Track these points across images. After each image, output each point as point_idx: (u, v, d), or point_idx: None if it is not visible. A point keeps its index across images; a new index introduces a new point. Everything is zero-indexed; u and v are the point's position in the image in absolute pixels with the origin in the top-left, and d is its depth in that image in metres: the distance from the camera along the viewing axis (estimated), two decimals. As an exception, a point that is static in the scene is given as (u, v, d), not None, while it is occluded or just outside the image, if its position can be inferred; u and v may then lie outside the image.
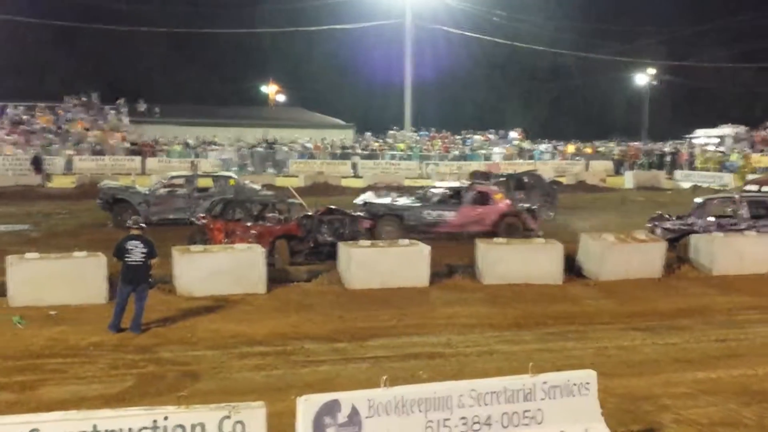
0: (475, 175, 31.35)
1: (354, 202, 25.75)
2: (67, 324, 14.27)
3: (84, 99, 53.13)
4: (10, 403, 10.39)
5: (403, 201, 25.22)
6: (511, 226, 23.98)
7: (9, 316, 14.53)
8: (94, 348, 12.96)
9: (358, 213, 22.04)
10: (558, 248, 18.87)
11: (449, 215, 24.26)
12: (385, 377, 7.74)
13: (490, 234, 22.49)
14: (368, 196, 26.36)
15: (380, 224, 23.27)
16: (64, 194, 36.06)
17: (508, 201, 25.04)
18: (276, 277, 17.71)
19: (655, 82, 77.31)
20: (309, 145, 52.40)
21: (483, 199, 24.71)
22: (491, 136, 57.22)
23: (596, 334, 14.51)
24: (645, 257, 19.47)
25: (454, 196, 24.91)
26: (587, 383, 8.53)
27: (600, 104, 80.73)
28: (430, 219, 24.11)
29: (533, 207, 25.01)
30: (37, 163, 40.77)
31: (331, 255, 19.14)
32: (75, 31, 64.51)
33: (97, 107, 53.29)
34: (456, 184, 27.01)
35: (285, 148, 51.06)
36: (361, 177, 45.85)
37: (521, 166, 46.70)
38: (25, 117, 49.93)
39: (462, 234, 23.53)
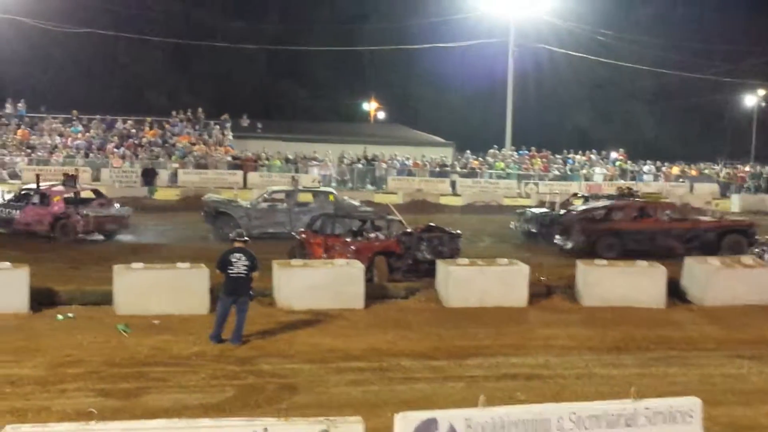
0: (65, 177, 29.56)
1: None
2: (170, 333, 14.57)
3: (190, 114, 54.32)
4: (115, 409, 10.63)
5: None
6: (65, 227, 25.86)
7: (115, 323, 14.90)
8: (196, 358, 13.22)
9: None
10: (661, 271, 18.47)
11: (16, 213, 26.50)
12: (482, 397, 7.67)
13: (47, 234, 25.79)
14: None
15: None
16: (169, 206, 36.87)
17: (63, 203, 26.29)
18: (374, 294, 17.77)
19: (763, 103, 75.24)
20: (408, 162, 52.51)
21: (44, 200, 26.43)
22: (593, 156, 56.44)
23: (700, 361, 14.16)
24: (752, 283, 18.87)
25: (25, 196, 27.08)
26: (691, 411, 8.28)
27: (706, 125, 78.91)
28: (3, 215, 26.73)
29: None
30: (148, 176, 41.80)
31: (430, 272, 19.09)
32: (182, 48, 66.13)
33: (202, 122, 54.41)
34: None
35: (384, 165, 51.28)
36: (459, 195, 45.74)
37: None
38: (133, 131, 51.29)
39: (32, 232, 25.98)
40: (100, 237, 26.52)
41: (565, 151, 57.53)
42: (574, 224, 25.66)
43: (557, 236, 26.25)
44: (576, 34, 59.33)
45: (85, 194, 28.23)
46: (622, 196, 29.11)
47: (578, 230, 25.27)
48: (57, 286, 16.90)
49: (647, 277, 18.44)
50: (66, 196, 26.78)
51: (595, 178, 52.79)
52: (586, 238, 24.87)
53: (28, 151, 46.79)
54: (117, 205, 27.79)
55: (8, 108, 51.88)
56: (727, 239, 25.14)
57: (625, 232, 24.91)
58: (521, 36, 57.78)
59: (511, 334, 15.58)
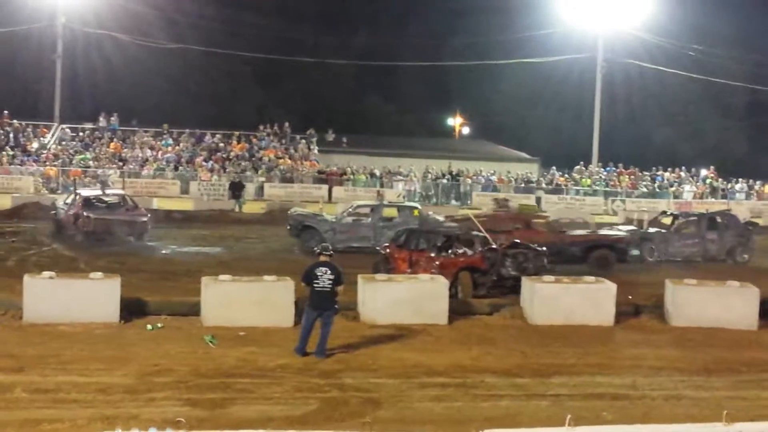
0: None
1: None
2: (256, 345, 14.73)
3: (276, 128, 55.01)
4: (202, 419, 10.78)
5: None
6: (78, 227, 27.28)
7: (202, 334, 15.13)
8: (281, 370, 13.31)
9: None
10: (753, 292, 18.01)
11: (62, 214, 28.28)
12: (569, 416, 7.57)
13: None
14: None
15: None
16: (254, 219, 37.24)
17: (80, 206, 27.47)
18: (458, 309, 17.70)
19: None
20: (493, 177, 52.32)
21: (74, 203, 27.96)
22: (682, 174, 55.42)
23: (795, 385, 13.73)
24: None
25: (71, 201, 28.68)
26: (786, 436, 8.07)
27: (802, 143, 76.65)
28: (57, 217, 28.59)
29: None
30: (234, 189, 42.23)
31: (514, 289, 18.94)
32: (270, 63, 67.03)
33: (289, 136, 55.06)
34: None
35: (469, 180, 51.19)
36: (544, 212, 45.29)
37: (713, 205, 45.00)
38: (221, 144, 52.15)
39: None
40: (129, 238, 27.71)
41: (653, 168, 56.63)
42: None
43: None
44: (665, 49, 58.41)
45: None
46: (499, 208, 28.88)
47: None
48: (146, 297, 17.24)
49: (739, 298, 18.00)
50: (87, 199, 28.65)
51: (685, 195, 51.85)
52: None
53: (120, 163, 47.96)
54: (142, 211, 29.18)
55: (101, 122, 53.30)
56: (594, 254, 24.96)
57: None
58: (609, 51, 57.23)
59: (597, 353, 15.35)
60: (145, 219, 28.45)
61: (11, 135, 49.60)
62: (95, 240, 26.93)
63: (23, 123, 51.77)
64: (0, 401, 11.39)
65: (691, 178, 55.37)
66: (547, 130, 76.33)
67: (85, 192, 30.24)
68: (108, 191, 31.49)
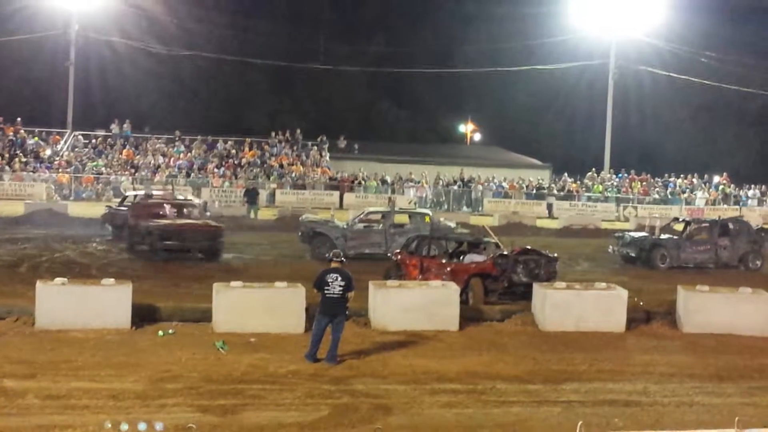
0: None
1: None
2: (267, 351, 14.72)
3: (288, 135, 55.13)
4: (213, 425, 10.77)
5: None
6: None
7: (213, 340, 15.14)
8: (292, 376, 13.31)
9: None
10: (766, 299, 17.92)
11: None
12: (580, 423, 7.56)
13: None
14: None
15: None
16: (266, 226, 37.30)
17: None
18: (469, 316, 17.68)
19: None
20: (504, 184, 52.29)
21: None
22: (694, 180, 55.31)
23: (808, 391, 13.66)
24: None
25: None
26: (798, 443, 8.03)
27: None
28: None
29: None
30: (250, 195, 42.33)
31: (526, 295, 18.93)
32: (283, 69, 67.19)
33: (300, 143, 55.19)
34: None
35: (480, 187, 51.18)
36: (556, 218, 45.29)
37: (726, 211, 44.93)
38: (233, 151, 52.30)
39: None
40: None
41: (665, 174, 56.54)
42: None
43: None
44: (677, 55, 58.37)
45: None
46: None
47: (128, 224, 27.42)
48: (158, 303, 17.25)
49: (751, 304, 17.92)
50: (124, 198, 32.98)
51: (697, 202, 51.75)
52: (129, 231, 27.00)
53: (132, 170, 48.13)
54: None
55: (114, 128, 53.53)
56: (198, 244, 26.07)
57: (136, 226, 26.28)
58: (621, 57, 57.20)
59: (609, 360, 15.30)
60: None
61: (20, 142, 49.81)
62: (114, 231, 29.73)
63: (36, 130, 52.04)
64: (12, 407, 11.41)
65: (703, 185, 55.24)
66: (559, 136, 76.40)
67: (132, 192, 33.74)
68: (155, 193, 33.26)
